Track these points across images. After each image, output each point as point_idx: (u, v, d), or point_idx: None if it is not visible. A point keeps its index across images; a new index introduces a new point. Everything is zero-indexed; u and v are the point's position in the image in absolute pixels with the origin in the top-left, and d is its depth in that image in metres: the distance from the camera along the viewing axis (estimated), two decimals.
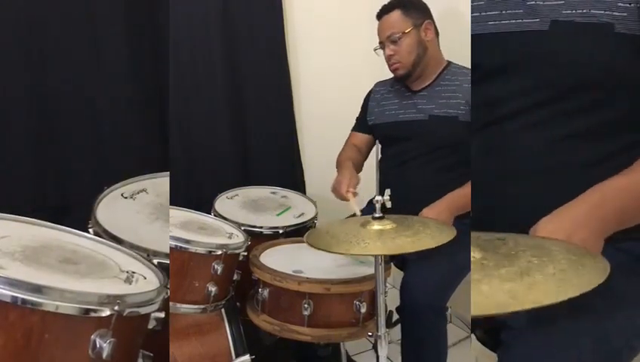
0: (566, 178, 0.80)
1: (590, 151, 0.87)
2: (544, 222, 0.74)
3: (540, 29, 0.86)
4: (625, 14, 0.80)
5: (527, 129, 0.91)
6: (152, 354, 0.87)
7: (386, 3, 1.59)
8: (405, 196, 1.26)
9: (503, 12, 0.90)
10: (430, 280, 1.33)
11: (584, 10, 0.82)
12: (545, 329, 0.79)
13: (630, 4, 0.79)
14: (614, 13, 0.80)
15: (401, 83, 1.65)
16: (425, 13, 1.58)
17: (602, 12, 0.81)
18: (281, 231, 1.57)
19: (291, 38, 2.18)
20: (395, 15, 1.55)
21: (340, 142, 1.89)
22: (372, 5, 1.64)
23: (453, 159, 1.51)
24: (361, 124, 1.79)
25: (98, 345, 0.71)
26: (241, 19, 2.05)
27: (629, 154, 0.82)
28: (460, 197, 1.40)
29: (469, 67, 1.53)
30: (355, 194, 1.47)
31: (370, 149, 1.78)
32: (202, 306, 1.22)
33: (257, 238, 1.47)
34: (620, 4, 0.80)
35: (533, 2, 0.87)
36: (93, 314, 0.71)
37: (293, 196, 1.88)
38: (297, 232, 1.58)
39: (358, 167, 1.73)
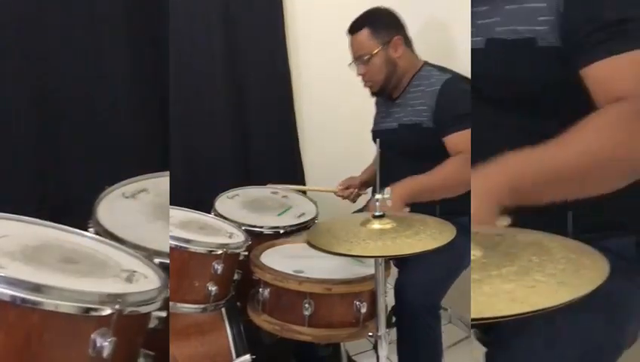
0: None
1: None
2: None
3: (479, 48, 0.90)
4: (546, 27, 0.82)
5: (483, 143, 0.92)
6: (153, 353, 0.87)
7: (356, 18, 1.59)
8: None
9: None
10: (423, 279, 1.34)
11: (511, 27, 0.85)
12: (528, 326, 0.79)
13: (551, 17, 0.81)
14: (535, 28, 0.83)
15: None
16: (395, 27, 1.58)
17: (525, 27, 0.84)
18: (281, 231, 1.56)
19: (292, 39, 2.18)
20: (364, 35, 1.56)
21: (340, 141, 1.89)
22: (373, 5, 1.64)
23: (422, 165, 1.45)
24: None
25: (98, 344, 0.71)
26: (242, 19, 2.05)
27: None
28: (420, 180, 1.35)
29: (444, 66, 1.56)
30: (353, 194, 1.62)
31: None
32: (202, 306, 1.22)
33: (258, 238, 1.47)
34: (540, 17, 0.82)
35: (480, 22, 0.90)
36: (93, 313, 0.71)
37: (293, 196, 1.88)
38: (298, 232, 1.58)
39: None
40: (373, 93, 1.64)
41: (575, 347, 0.78)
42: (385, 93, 1.62)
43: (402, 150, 1.54)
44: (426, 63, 1.61)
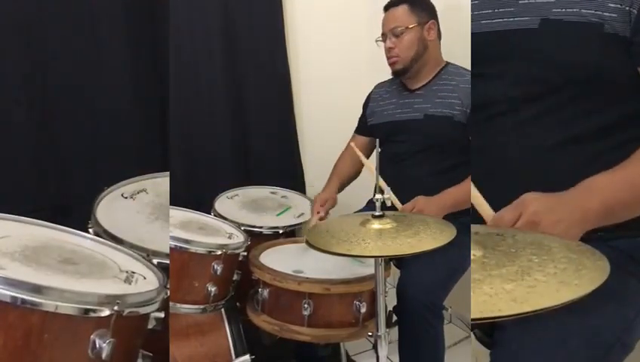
0: (553, 178, 0.80)
1: (579, 151, 0.88)
2: (530, 194, 0.75)
3: (530, 27, 0.87)
4: (615, 15, 0.81)
5: (517, 127, 0.92)
6: (151, 354, 0.87)
7: None
8: (400, 195, 1.26)
9: (496, 10, 0.92)
10: (425, 278, 1.33)
11: (574, 10, 0.83)
12: (534, 326, 0.79)
13: (622, 5, 0.80)
14: (604, 14, 0.81)
15: (399, 82, 1.66)
16: (431, 13, 1.59)
17: (592, 12, 0.82)
18: (281, 231, 1.57)
19: (291, 38, 2.18)
20: (402, 9, 1.56)
21: (340, 142, 1.89)
22: (374, 5, 1.64)
23: (448, 160, 1.51)
24: (362, 126, 1.81)
25: (97, 345, 0.71)
26: (241, 18, 2.05)
27: (617, 153, 0.82)
28: (454, 195, 1.41)
29: (468, 68, 1.56)
30: (322, 217, 1.56)
31: (371, 151, 1.78)
32: (202, 306, 1.22)
33: (257, 238, 1.47)
34: (610, 4, 0.81)
35: (526, 1, 0.88)
36: (92, 314, 0.71)
37: (293, 196, 1.89)
38: (297, 232, 1.58)
39: (355, 173, 1.78)
40: (394, 72, 1.61)
41: (581, 347, 0.78)
42: (406, 76, 1.60)
43: (427, 141, 1.54)
44: (449, 63, 1.62)
